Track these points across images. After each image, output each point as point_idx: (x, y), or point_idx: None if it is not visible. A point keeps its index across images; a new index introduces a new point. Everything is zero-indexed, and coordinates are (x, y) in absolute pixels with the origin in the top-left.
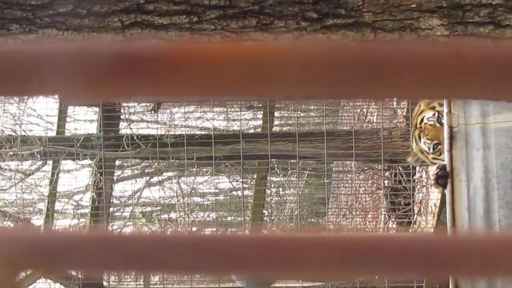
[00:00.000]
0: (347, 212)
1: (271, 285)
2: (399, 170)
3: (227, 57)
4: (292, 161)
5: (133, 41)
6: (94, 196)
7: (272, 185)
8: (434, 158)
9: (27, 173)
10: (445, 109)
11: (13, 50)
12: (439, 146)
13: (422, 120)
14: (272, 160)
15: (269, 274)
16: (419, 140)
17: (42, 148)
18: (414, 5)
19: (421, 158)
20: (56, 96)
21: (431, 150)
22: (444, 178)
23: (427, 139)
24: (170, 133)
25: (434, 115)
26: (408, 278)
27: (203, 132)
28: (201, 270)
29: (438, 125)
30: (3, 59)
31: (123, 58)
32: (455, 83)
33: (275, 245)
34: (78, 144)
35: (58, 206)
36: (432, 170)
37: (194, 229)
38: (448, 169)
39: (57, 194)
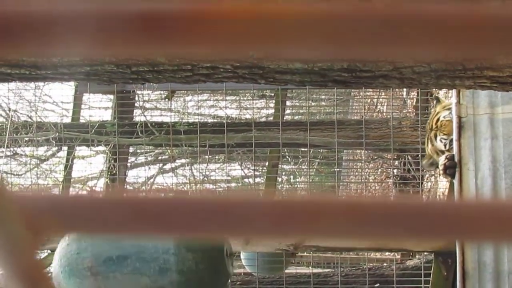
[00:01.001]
0: None
1: (281, 271)
2: (408, 159)
3: (247, 16)
4: (303, 149)
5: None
6: (108, 182)
7: (283, 173)
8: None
9: (42, 158)
10: (453, 100)
11: (28, 10)
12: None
13: (438, 119)
14: (284, 148)
15: (283, 235)
16: (434, 140)
17: (57, 134)
18: None
19: (435, 160)
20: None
21: (447, 147)
22: (452, 168)
23: (444, 134)
24: (184, 120)
25: (450, 112)
26: (417, 240)
27: (216, 120)
28: (218, 231)
29: None
30: (24, 17)
31: (143, 17)
32: (474, 43)
33: (289, 207)
34: (93, 131)
35: (72, 191)
36: (441, 160)
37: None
38: (456, 158)
39: (72, 180)
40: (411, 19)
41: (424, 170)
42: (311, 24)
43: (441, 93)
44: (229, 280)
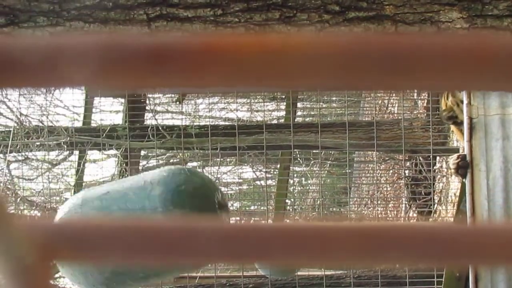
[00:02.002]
0: (369, 202)
1: (294, 274)
2: (419, 160)
3: (255, 49)
4: (314, 151)
5: (160, 33)
6: None
7: (295, 175)
8: None
9: (54, 163)
10: (464, 100)
11: (39, 41)
12: None
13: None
14: (295, 150)
15: (294, 262)
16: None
17: (68, 138)
18: None
19: (455, 112)
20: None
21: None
22: (464, 168)
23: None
24: (195, 123)
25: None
26: (429, 266)
27: (227, 123)
28: (228, 258)
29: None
30: (29, 50)
31: (151, 50)
32: (477, 75)
33: (299, 234)
34: (104, 135)
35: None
36: (453, 159)
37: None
38: (468, 159)
39: (83, 184)
40: (420, 51)
41: (436, 171)
42: (320, 57)
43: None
44: None
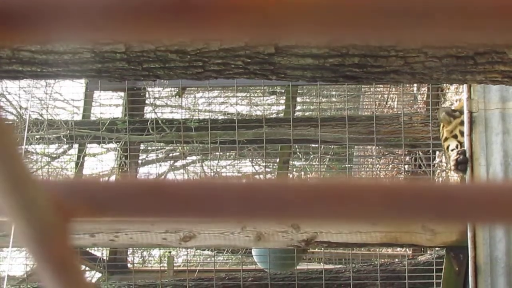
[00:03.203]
0: None
1: (293, 268)
2: (419, 155)
3: (267, 2)
4: (314, 145)
5: None
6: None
7: (294, 169)
8: None
9: (54, 156)
10: (465, 95)
11: None
12: None
13: (448, 147)
14: (295, 144)
15: (312, 219)
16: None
17: (68, 131)
18: None
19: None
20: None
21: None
22: (463, 163)
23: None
24: (194, 117)
25: (457, 146)
26: (440, 222)
27: (226, 117)
28: (245, 215)
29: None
30: (35, 5)
31: (171, 3)
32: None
33: (317, 190)
34: (104, 128)
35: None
36: (452, 156)
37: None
38: (467, 153)
39: (83, 177)
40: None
41: (436, 166)
42: (330, 9)
43: (452, 88)
44: None
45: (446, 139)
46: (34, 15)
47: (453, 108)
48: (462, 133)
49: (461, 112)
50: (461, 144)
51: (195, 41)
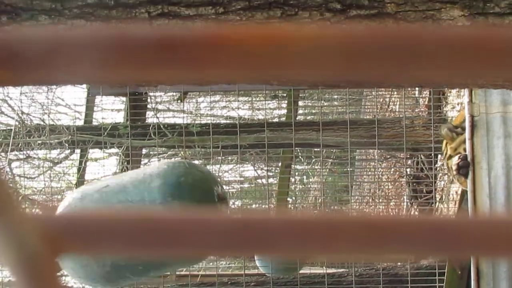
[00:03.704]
0: (370, 200)
1: (296, 272)
2: (421, 158)
3: (262, 41)
4: (316, 149)
5: (168, 26)
6: None
7: (296, 173)
8: None
9: (55, 161)
10: (466, 99)
11: (44, 35)
12: None
13: (452, 166)
14: (296, 148)
15: (299, 254)
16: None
17: (70, 137)
18: None
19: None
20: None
21: None
22: (465, 168)
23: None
24: (196, 122)
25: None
26: (433, 257)
27: (228, 121)
28: (230, 250)
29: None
30: (31, 44)
31: (158, 41)
32: (481, 67)
33: (303, 225)
34: (106, 133)
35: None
36: (454, 160)
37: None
38: (469, 157)
39: (85, 182)
40: (426, 41)
41: (438, 169)
42: (326, 47)
43: (453, 92)
44: None
45: (450, 157)
46: (35, 58)
47: (453, 123)
48: (465, 150)
49: (463, 128)
50: None
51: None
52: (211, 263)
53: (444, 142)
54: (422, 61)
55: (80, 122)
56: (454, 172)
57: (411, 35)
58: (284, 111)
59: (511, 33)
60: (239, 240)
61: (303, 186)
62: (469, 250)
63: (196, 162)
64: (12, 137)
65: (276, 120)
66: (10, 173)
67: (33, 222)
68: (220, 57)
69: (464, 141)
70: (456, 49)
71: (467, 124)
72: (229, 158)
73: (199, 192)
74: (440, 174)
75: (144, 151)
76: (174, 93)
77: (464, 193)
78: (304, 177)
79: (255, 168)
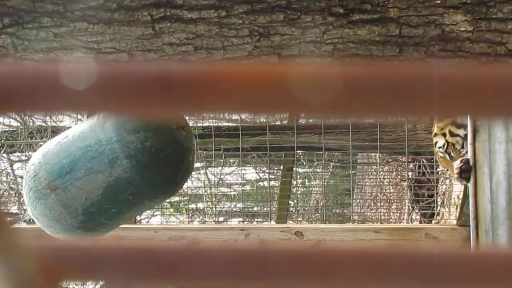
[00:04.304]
0: (372, 203)
1: None
2: (423, 162)
3: (260, 79)
4: (318, 152)
5: (165, 62)
6: None
7: (298, 176)
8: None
9: None
10: None
11: (42, 69)
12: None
13: (436, 143)
14: (298, 151)
15: (297, 285)
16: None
17: None
18: (438, 1)
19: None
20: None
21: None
22: (467, 172)
23: (441, 166)
24: (198, 124)
25: (443, 145)
26: None
27: (230, 124)
28: (230, 280)
29: (447, 157)
30: (29, 79)
31: (156, 79)
32: (481, 105)
33: (303, 256)
34: None
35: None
36: (456, 164)
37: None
38: (471, 162)
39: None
40: (421, 83)
41: (439, 173)
42: (324, 86)
43: None
44: (191, 154)
45: (435, 134)
46: (30, 94)
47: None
48: (451, 133)
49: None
50: (448, 144)
51: (198, 52)
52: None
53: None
54: (418, 103)
55: None
56: (456, 176)
57: (407, 76)
58: (286, 114)
59: (507, 73)
60: (237, 271)
61: (304, 189)
62: (470, 284)
63: (198, 164)
64: (14, 138)
65: (278, 123)
66: (12, 175)
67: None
68: (215, 94)
69: (451, 123)
70: (453, 89)
71: (469, 129)
72: (231, 160)
73: (154, 125)
74: (442, 178)
75: None
76: None
77: (465, 198)
78: (306, 180)
79: (257, 171)
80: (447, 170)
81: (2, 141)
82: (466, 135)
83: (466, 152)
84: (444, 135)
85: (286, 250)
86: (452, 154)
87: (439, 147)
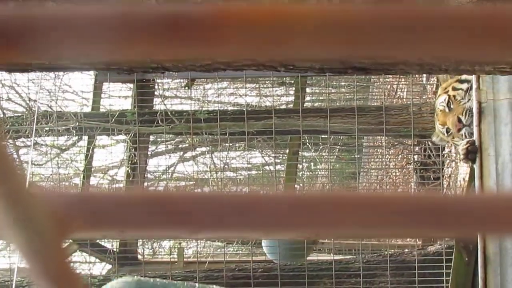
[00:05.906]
0: (378, 187)
1: (303, 259)
2: (428, 145)
3: (268, 17)
4: (323, 136)
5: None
6: (129, 171)
7: (304, 160)
8: (452, 139)
9: (63, 148)
10: (473, 85)
11: (47, 14)
12: (450, 130)
13: (438, 101)
14: (304, 135)
15: (310, 232)
16: (436, 123)
17: (77, 123)
18: None
19: (443, 138)
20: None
21: (445, 134)
22: (473, 153)
23: (439, 124)
24: (204, 108)
25: (445, 99)
26: (439, 235)
27: (236, 108)
28: (242, 229)
29: (447, 110)
30: (42, 22)
31: (167, 19)
32: (486, 45)
33: (315, 203)
34: (113, 120)
35: (93, 181)
36: (462, 145)
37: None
38: (476, 144)
39: (92, 169)
40: (428, 19)
41: (445, 156)
42: (328, 24)
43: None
44: None
45: (439, 96)
46: (33, 33)
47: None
48: (454, 88)
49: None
50: (449, 97)
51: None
52: (218, 250)
53: (440, 87)
54: (426, 38)
55: (88, 109)
56: (462, 157)
57: (417, 13)
58: (291, 98)
59: None
60: (245, 218)
61: (310, 172)
62: (476, 228)
63: (204, 148)
64: (19, 124)
65: (283, 106)
66: (18, 160)
67: (42, 200)
68: (225, 34)
69: (456, 80)
70: (462, 28)
71: (474, 111)
72: (237, 145)
73: None
74: (448, 161)
75: (151, 137)
76: (182, 80)
77: (471, 180)
78: (312, 163)
79: (263, 155)
80: (445, 127)
81: (8, 126)
82: (468, 88)
83: (468, 100)
84: (446, 92)
85: (296, 197)
86: (452, 106)
87: (440, 102)
